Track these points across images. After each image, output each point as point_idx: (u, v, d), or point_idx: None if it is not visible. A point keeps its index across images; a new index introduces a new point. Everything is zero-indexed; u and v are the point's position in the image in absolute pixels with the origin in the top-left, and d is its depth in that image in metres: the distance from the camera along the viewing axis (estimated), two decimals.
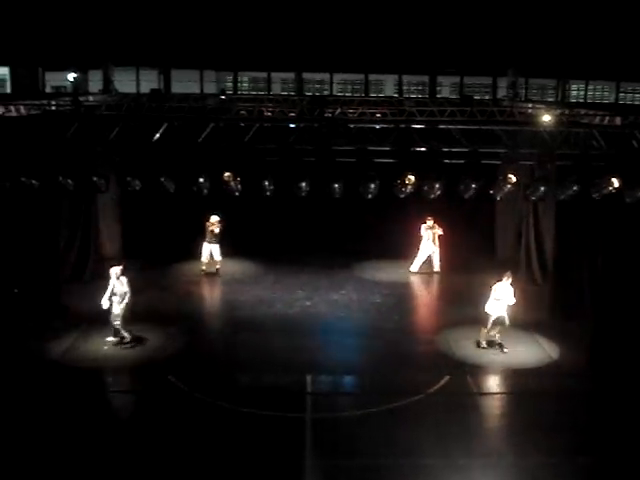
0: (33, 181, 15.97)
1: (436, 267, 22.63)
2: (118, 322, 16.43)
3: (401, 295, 21.10)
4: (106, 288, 16.43)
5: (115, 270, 16.51)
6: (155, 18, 24.10)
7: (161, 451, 12.41)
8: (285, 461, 12.25)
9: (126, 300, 16.45)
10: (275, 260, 22.68)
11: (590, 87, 28.40)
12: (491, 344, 16.82)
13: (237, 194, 16.87)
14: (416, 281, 22.35)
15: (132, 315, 16.81)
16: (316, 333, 17.86)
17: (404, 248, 22.58)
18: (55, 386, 14.61)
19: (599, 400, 14.48)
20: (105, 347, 16.45)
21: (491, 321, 16.64)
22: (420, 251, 22.55)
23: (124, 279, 16.52)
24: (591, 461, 12.30)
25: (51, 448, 12.33)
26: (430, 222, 22.25)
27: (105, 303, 16.34)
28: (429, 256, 22.58)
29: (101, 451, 12.32)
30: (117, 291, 16.37)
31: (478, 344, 16.85)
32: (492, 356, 16.57)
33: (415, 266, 22.62)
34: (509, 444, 13.12)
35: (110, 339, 16.57)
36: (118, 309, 16.39)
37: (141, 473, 11.82)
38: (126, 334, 16.56)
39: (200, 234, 21.91)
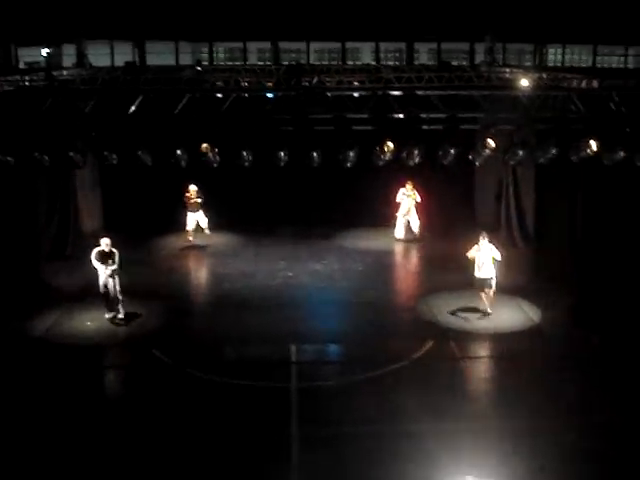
0: (9, 158, 15.79)
1: (415, 230, 22.61)
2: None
3: (382, 263, 21.15)
4: (87, 264, 16.33)
5: (106, 241, 16.42)
6: None
7: (147, 424, 12.40)
8: (271, 430, 12.28)
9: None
10: (255, 231, 22.63)
11: (567, 51, 28.38)
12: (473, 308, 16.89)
13: (215, 165, 16.75)
14: (397, 248, 22.38)
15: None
16: (299, 303, 17.88)
17: (384, 216, 22.58)
18: (39, 363, 14.56)
19: (581, 362, 14.58)
20: (88, 323, 16.37)
21: (489, 284, 16.67)
22: (399, 217, 22.52)
23: (115, 250, 16.44)
24: (575, 422, 12.38)
25: (36, 425, 12.30)
26: (409, 187, 22.18)
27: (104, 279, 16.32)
28: (407, 222, 22.56)
29: (87, 427, 12.30)
30: (112, 263, 16.31)
31: (484, 313, 16.81)
32: (475, 321, 16.64)
33: (399, 232, 22.61)
34: (494, 408, 13.23)
35: (108, 315, 16.53)
36: (118, 281, 16.39)
37: (127, 447, 11.81)
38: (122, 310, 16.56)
39: (181, 205, 21.81)
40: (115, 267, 16.32)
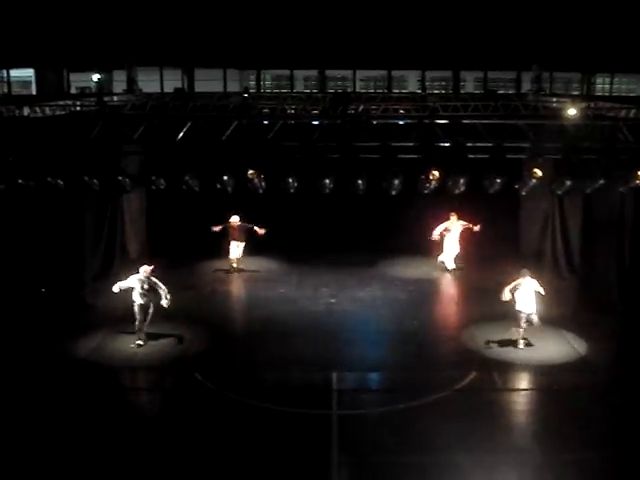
0: (59, 181, 16.07)
1: (450, 265, 22.54)
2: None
3: (426, 292, 21.05)
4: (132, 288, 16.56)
5: (145, 269, 16.62)
6: (177, 18, 24.20)
7: (188, 449, 12.43)
8: (311, 458, 12.25)
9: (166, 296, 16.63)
10: (299, 258, 22.67)
11: (615, 80, 28.14)
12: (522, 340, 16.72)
13: (261, 192, 16.88)
14: (440, 277, 22.27)
15: (160, 313, 16.91)
16: (341, 330, 17.85)
17: (429, 245, 22.48)
18: (82, 385, 14.70)
19: (628, 396, 14.32)
20: (132, 345, 16.53)
21: (523, 318, 16.52)
22: (446, 247, 22.43)
23: (154, 279, 16.65)
24: (619, 458, 12.17)
25: (78, 446, 12.40)
26: (454, 218, 22.11)
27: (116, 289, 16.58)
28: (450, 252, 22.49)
29: (127, 450, 12.38)
30: (146, 290, 16.49)
31: (515, 345, 16.64)
32: (519, 352, 16.45)
33: (450, 263, 22.51)
34: (536, 441, 12.98)
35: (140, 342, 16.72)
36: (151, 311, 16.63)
37: (168, 471, 11.86)
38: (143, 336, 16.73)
39: (224, 234, 22.00)
40: (152, 297, 16.52)
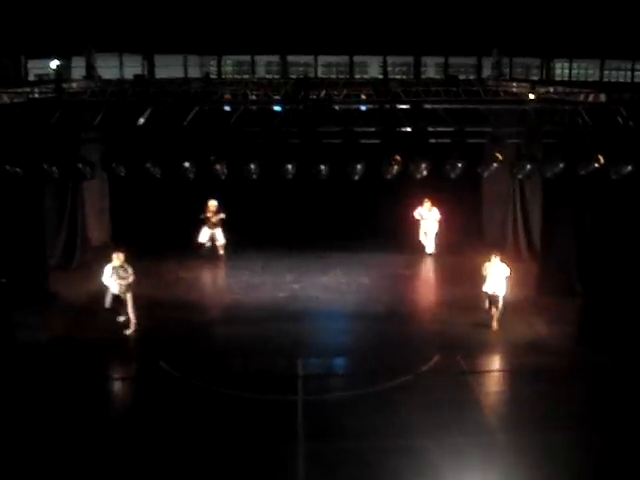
0: (17, 169, 15.86)
1: (430, 249, 22.65)
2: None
3: (390, 277, 21.11)
4: (95, 276, 16.41)
5: (119, 256, 16.51)
6: (137, 3, 23.94)
7: (153, 436, 12.40)
8: (278, 444, 12.26)
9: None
10: (263, 244, 22.61)
11: (574, 65, 28.41)
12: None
13: (223, 178, 16.80)
14: (405, 263, 22.33)
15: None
16: (306, 316, 17.88)
17: (391, 229, 22.58)
18: (45, 374, 14.58)
19: (587, 376, 14.55)
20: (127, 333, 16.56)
21: (487, 298, 16.70)
22: (422, 232, 22.53)
23: (128, 265, 16.56)
24: (582, 438, 12.34)
25: (38, 436, 12.29)
26: (428, 204, 22.23)
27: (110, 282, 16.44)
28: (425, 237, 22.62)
29: (91, 438, 12.29)
30: (123, 276, 16.40)
31: (491, 327, 16.79)
32: (481, 335, 16.62)
33: (430, 247, 22.62)
34: (499, 423, 13.16)
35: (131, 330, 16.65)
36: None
37: (130, 459, 11.80)
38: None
39: (200, 221, 21.94)
40: (129, 281, 16.39)
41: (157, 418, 13.03)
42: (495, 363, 16.18)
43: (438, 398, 13.68)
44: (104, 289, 16.57)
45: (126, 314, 16.59)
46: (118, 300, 16.49)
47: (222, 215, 21.87)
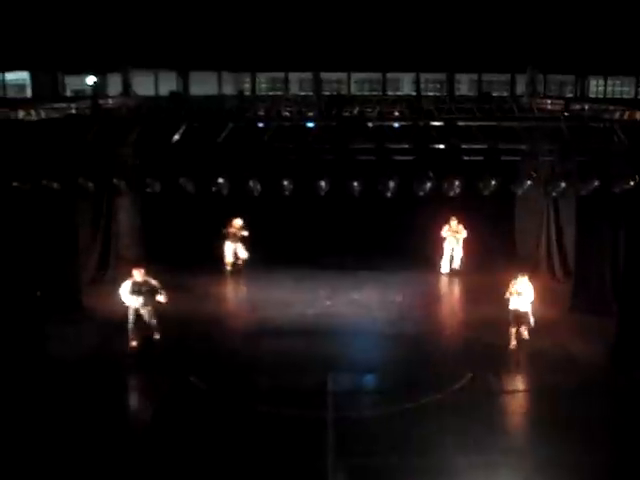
0: (53, 183, 16.05)
1: (456, 265, 22.52)
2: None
3: (422, 294, 21.03)
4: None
5: (139, 271, 16.61)
6: (172, 21, 24.22)
7: (184, 452, 12.43)
8: (307, 460, 12.24)
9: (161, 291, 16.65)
10: (295, 260, 22.63)
11: (609, 82, 28.23)
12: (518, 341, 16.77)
13: (256, 194, 16.87)
14: (436, 281, 22.26)
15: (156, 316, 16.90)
16: (336, 332, 17.81)
17: (423, 247, 22.49)
18: (78, 388, 14.69)
19: (624, 396, 14.35)
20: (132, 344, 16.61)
21: (514, 316, 16.60)
22: (445, 251, 22.45)
23: (150, 279, 16.66)
24: (614, 460, 12.18)
25: (73, 450, 12.39)
26: (454, 223, 22.15)
27: (128, 299, 16.52)
28: (452, 257, 22.48)
29: (123, 452, 12.37)
30: (144, 292, 16.50)
31: (509, 344, 16.70)
32: (514, 353, 16.48)
33: (445, 267, 22.53)
34: (531, 443, 13.03)
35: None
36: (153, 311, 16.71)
37: (164, 474, 11.84)
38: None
39: (222, 237, 22.07)
40: (154, 295, 16.49)
41: (187, 433, 13.07)
42: (527, 382, 15.99)
43: (470, 416, 13.57)
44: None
45: (151, 326, 16.69)
46: (139, 315, 16.59)
47: (244, 232, 22.02)
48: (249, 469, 11.98)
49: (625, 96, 27.83)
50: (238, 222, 22.04)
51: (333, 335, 17.58)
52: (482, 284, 20.86)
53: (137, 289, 16.45)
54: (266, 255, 22.60)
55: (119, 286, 16.70)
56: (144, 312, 16.58)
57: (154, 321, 16.71)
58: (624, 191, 15.74)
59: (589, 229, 18.39)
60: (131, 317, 16.58)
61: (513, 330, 16.64)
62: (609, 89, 28.19)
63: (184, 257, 22.50)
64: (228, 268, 22.29)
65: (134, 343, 16.58)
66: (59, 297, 17.87)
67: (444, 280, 22.32)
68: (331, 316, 19.03)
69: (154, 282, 16.62)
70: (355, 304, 19.96)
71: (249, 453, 12.43)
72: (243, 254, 22.30)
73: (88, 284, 19.84)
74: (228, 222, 22.02)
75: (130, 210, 22.71)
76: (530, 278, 16.84)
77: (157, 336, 16.75)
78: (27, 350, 15.77)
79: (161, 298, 16.52)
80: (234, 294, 21.91)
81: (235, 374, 15.60)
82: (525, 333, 16.73)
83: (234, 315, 20.07)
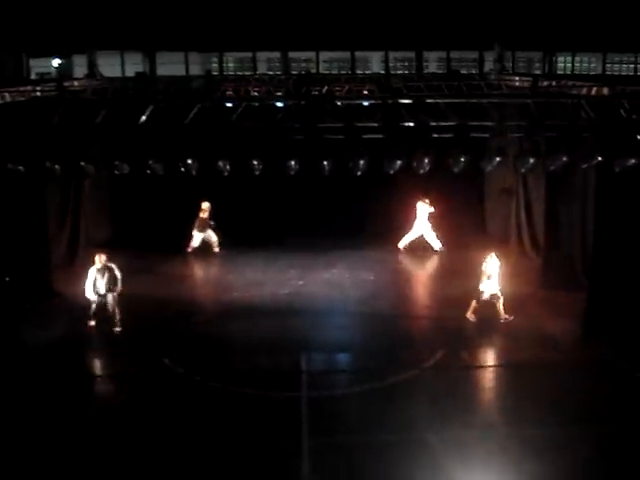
0: (20, 167, 15.85)
1: (437, 246, 22.57)
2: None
3: (393, 272, 21.12)
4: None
5: (101, 258, 16.51)
6: (138, 1, 23.92)
7: (155, 433, 12.42)
8: (282, 439, 12.28)
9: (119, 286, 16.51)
10: (265, 240, 22.63)
11: (577, 59, 28.38)
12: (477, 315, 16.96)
13: (225, 174, 16.78)
14: (408, 258, 22.35)
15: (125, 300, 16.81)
16: (309, 312, 17.84)
17: (395, 225, 22.54)
18: (48, 372, 14.59)
19: (594, 371, 14.52)
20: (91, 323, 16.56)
21: (483, 297, 16.76)
22: (413, 229, 22.47)
23: (113, 265, 16.54)
24: (589, 433, 12.32)
25: (45, 434, 12.33)
26: (426, 202, 22.16)
27: (91, 294, 16.40)
28: (421, 235, 22.50)
29: (95, 436, 12.32)
30: (107, 279, 16.41)
31: (468, 317, 16.93)
32: (486, 329, 16.63)
33: (403, 242, 22.56)
34: (504, 416, 13.18)
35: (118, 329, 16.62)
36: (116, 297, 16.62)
37: (133, 456, 11.81)
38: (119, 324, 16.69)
39: (193, 224, 22.04)
40: (111, 283, 16.42)
41: (161, 415, 13.05)
42: (499, 357, 16.17)
43: (442, 393, 13.70)
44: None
45: (113, 313, 16.60)
46: (102, 301, 16.53)
47: (211, 221, 22.13)
48: (223, 450, 12.00)
49: (592, 72, 27.99)
50: (206, 205, 21.94)
51: (306, 315, 17.61)
52: (453, 261, 20.99)
53: (99, 275, 16.36)
54: (236, 236, 22.53)
55: (88, 270, 16.59)
56: (108, 299, 16.49)
57: (117, 310, 16.59)
58: (592, 167, 15.85)
59: (558, 205, 18.52)
60: (94, 305, 16.54)
61: (474, 304, 16.82)
62: (576, 65, 28.34)
63: (154, 239, 22.39)
64: (189, 250, 22.25)
65: (92, 323, 16.58)
66: (29, 282, 17.73)
67: (416, 258, 22.37)
68: (303, 296, 19.06)
69: (116, 270, 16.54)
70: (327, 283, 20.00)
71: (223, 434, 12.45)
72: (214, 238, 22.23)
73: (58, 268, 19.64)
74: (198, 207, 21.90)
75: (99, 193, 22.50)
76: (500, 256, 16.96)
77: (118, 328, 16.60)
78: None
79: (116, 287, 16.48)
80: (205, 275, 21.86)
81: (209, 356, 15.58)
82: (501, 310, 16.86)
83: (206, 296, 20.01)
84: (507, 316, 16.85)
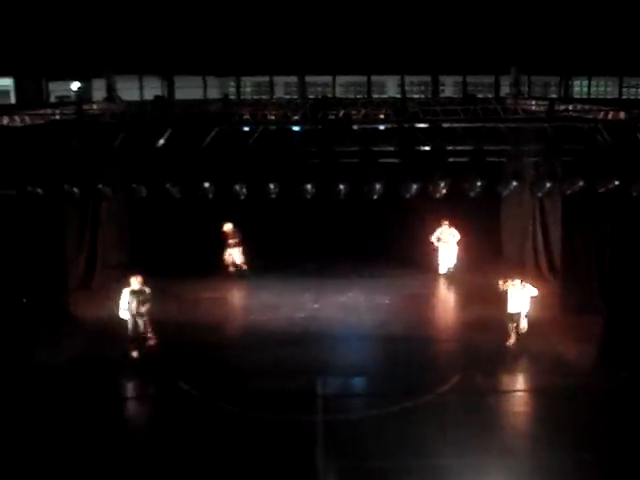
0: (38, 190, 15.98)
1: (443, 270, 22.52)
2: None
3: (409, 296, 21.03)
4: (114, 297, 16.44)
5: (138, 279, 16.52)
6: (157, 26, 24.18)
7: (174, 457, 12.37)
8: (298, 463, 12.21)
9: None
10: (281, 263, 22.63)
11: (593, 83, 28.38)
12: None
13: (242, 198, 16.85)
14: (424, 282, 22.26)
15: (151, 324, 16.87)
16: (325, 336, 17.79)
17: (410, 249, 22.51)
18: (66, 395, 14.59)
19: (612, 397, 14.37)
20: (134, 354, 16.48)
21: (513, 318, 16.68)
22: (441, 253, 22.46)
23: (147, 289, 16.59)
24: (607, 460, 12.18)
25: (60, 457, 12.30)
26: (446, 227, 22.12)
27: (125, 314, 16.41)
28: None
29: (111, 458, 12.29)
30: (142, 299, 16.41)
31: (504, 343, 16.75)
32: (502, 354, 16.51)
33: (443, 268, 22.52)
34: (521, 443, 13.06)
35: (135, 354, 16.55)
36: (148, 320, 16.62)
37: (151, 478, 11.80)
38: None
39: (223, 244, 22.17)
40: (147, 306, 16.41)
41: (176, 438, 13.00)
42: (516, 383, 16.03)
43: (458, 418, 13.60)
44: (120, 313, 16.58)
45: (147, 335, 16.61)
46: (136, 324, 16.50)
47: (238, 237, 22.16)
48: (240, 474, 11.94)
49: (609, 96, 27.97)
50: (228, 227, 22.05)
51: (322, 338, 17.56)
52: (470, 286, 20.90)
53: (135, 297, 16.37)
54: (253, 259, 22.56)
55: (105, 293, 16.62)
56: (140, 321, 16.49)
57: (149, 329, 16.59)
58: (609, 190, 15.81)
59: (575, 229, 18.46)
60: (130, 326, 16.44)
61: (510, 329, 16.69)
62: (593, 89, 28.33)
63: (171, 263, 22.45)
64: (231, 270, 22.36)
65: (135, 354, 16.42)
66: (46, 304, 17.77)
67: (431, 282, 22.31)
68: (319, 319, 19.02)
69: (148, 290, 16.54)
70: (343, 307, 19.96)
71: (240, 458, 12.38)
72: (239, 259, 22.31)
73: (75, 290, 19.72)
74: (222, 230, 22.03)
75: (116, 216, 22.63)
76: (526, 281, 16.88)
77: (152, 342, 16.62)
78: (14, 357, 15.68)
79: (143, 308, 16.44)
80: (222, 298, 21.84)
81: (225, 379, 15.55)
82: (515, 333, 16.78)
83: (222, 320, 19.99)
84: (512, 342, 16.72)
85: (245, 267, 22.43)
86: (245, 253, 22.35)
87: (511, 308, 16.65)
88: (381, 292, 21.02)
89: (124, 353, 16.41)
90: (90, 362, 16.25)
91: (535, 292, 16.67)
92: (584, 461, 12.04)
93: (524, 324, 16.62)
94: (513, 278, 16.68)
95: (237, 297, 21.40)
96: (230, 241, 22.18)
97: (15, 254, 17.14)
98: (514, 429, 13.82)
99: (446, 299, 21.92)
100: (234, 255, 22.28)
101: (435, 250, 22.35)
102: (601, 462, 12.06)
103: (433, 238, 22.15)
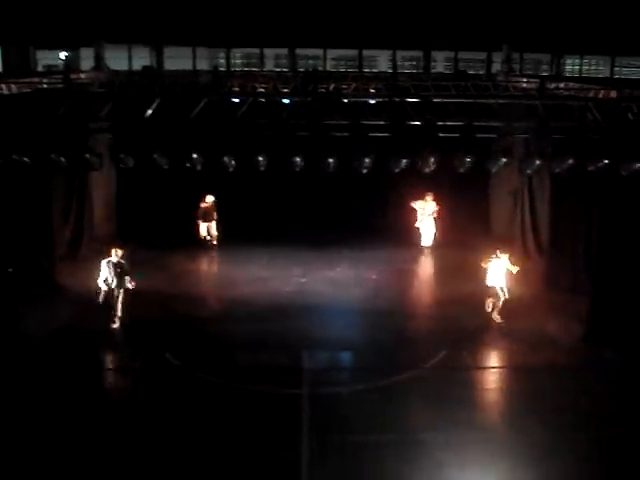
0: (25, 159, 15.84)
1: (426, 242, 22.61)
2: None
3: (397, 271, 21.07)
4: (99, 267, 16.40)
5: (117, 252, 16.44)
6: None
7: (158, 428, 12.40)
8: (282, 437, 12.25)
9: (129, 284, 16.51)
10: (269, 237, 22.60)
11: (585, 61, 28.27)
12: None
13: (230, 170, 16.76)
14: (411, 257, 22.31)
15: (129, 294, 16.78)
16: (311, 310, 17.81)
17: (399, 224, 22.51)
18: (49, 364, 14.58)
19: (597, 375, 14.47)
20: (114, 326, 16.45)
21: (496, 292, 16.76)
22: (425, 226, 22.48)
23: (125, 262, 16.52)
24: (585, 435, 12.30)
25: (40, 427, 12.31)
26: (429, 198, 22.17)
27: (102, 284, 16.33)
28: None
29: (97, 429, 12.30)
30: (118, 274, 16.33)
31: (486, 320, 16.87)
32: (488, 330, 16.59)
33: (427, 240, 22.55)
34: (505, 418, 13.17)
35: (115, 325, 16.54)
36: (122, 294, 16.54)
37: (133, 450, 11.80)
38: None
39: (195, 215, 22.06)
40: (125, 277, 16.35)
41: (161, 410, 13.03)
42: (501, 359, 16.13)
43: (444, 393, 13.65)
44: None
45: (115, 308, 16.54)
46: (111, 294, 16.44)
47: (214, 213, 22.34)
48: (224, 446, 11.97)
49: (600, 75, 27.89)
50: (210, 198, 22.01)
51: (308, 312, 17.58)
52: (457, 261, 20.92)
53: (112, 270, 16.30)
54: (240, 232, 22.50)
55: (91, 263, 16.57)
56: (116, 294, 16.42)
57: (119, 306, 16.50)
58: (598, 169, 15.80)
59: (563, 207, 18.48)
60: (101, 297, 16.42)
61: (492, 304, 16.77)
62: (584, 68, 28.24)
63: (158, 234, 22.38)
64: (206, 237, 22.53)
65: (115, 325, 16.46)
66: (32, 273, 17.71)
67: (419, 257, 22.37)
68: (306, 293, 19.04)
69: (125, 264, 16.48)
70: (330, 281, 19.98)
71: (224, 430, 12.42)
72: (214, 232, 22.28)
73: (61, 260, 19.64)
74: (201, 199, 21.96)
75: (103, 186, 22.49)
76: (507, 255, 16.93)
77: (116, 325, 16.49)
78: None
79: (129, 285, 16.38)
80: (208, 271, 21.84)
81: (211, 351, 15.57)
82: (498, 311, 16.84)
83: (209, 292, 20.02)
84: (501, 320, 16.78)
85: (215, 242, 22.51)
86: (218, 229, 22.40)
87: (489, 281, 16.72)
88: (368, 267, 21.04)
89: (109, 324, 16.39)
90: (76, 332, 16.20)
91: (515, 269, 16.71)
92: (568, 438, 12.12)
93: (503, 297, 16.68)
94: (496, 254, 16.74)
95: (224, 270, 21.37)
96: (205, 212, 22.21)
97: (0, 223, 17.04)
98: (498, 406, 13.94)
99: (433, 274, 22.00)
100: (210, 229, 22.36)
101: (416, 225, 22.41)
102: (585, 438, 12.16)
103: (413, 204, 22.22)
